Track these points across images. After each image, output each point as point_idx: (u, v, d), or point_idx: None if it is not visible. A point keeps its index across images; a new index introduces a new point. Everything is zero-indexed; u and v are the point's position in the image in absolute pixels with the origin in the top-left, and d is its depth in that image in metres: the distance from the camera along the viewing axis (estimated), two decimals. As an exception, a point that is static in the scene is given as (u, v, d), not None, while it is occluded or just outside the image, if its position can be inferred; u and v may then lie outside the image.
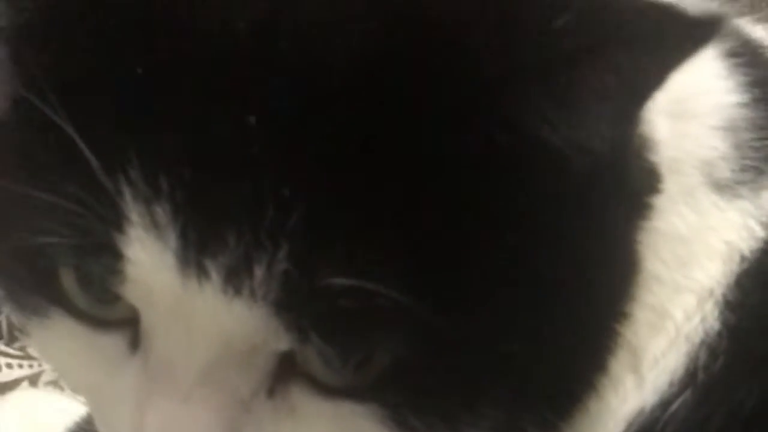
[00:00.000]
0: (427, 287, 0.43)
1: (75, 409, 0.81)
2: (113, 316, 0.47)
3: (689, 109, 0.52)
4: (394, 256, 0.43)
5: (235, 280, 0.42)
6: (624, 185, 0.48)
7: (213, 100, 0.42)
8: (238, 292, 0.43)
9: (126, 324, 0.47)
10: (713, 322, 0.50)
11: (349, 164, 0.42)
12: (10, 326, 0.98)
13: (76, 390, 0.55)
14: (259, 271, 0.42)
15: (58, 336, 0.49)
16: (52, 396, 0.89)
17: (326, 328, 0.44)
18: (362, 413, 0.46)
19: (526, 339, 0.46)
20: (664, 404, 0.50)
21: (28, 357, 0.94)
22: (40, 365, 0.94)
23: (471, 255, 0.44)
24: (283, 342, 0.44)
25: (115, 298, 0.46)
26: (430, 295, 0.43)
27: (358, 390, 0.46)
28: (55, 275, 0.47)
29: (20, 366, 0.93)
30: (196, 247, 0.42)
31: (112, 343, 0.48)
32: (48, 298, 0.48)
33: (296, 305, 0.43)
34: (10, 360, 0.94)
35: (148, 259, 0.43)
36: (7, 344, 0.97)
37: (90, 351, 0.49)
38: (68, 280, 0.47)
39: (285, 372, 0.46)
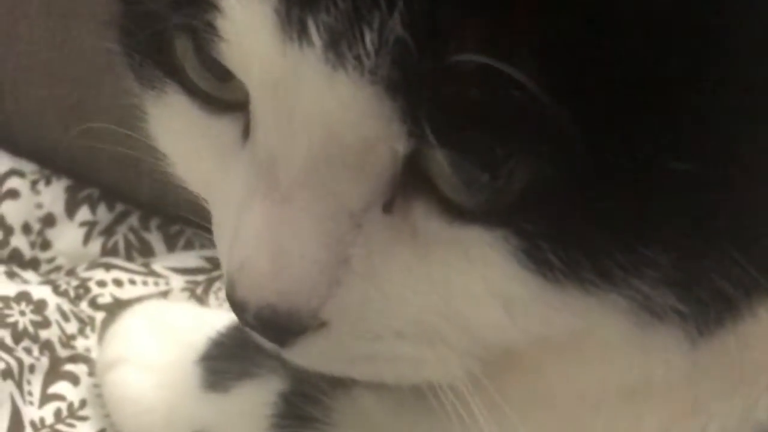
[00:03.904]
0: (575, 87, 0.37)
1: (215, 318, 0.68)
2: (227, 95, 0.44)
3: None
4: (540, 39, 0.36)
5: (339, 45, 0.37)
6: None
7: None
8: (341, 59, 0.37)
9: (240, 108, 0.44)
10: None
11: None
12: (128, 245, 0.86)
13: (190, 183, 0.49)
14: (368, 36, 0.37)
15: (173, 115, 0.47)
16: (185, 305, 0.76)
17: (448, 121, 0.37)
18: (491, 242, 0.40)
19: (708, 154, 0.38)
20: None
21: (153, 273, 0.82)
22: (167, 283, 0.81)
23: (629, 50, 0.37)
24: (399, 139, 0.39)
25: (229, 75, 0.42)
26: (579, 98, 0.36)
27: (491, 214, 0.40)
28: (170, 45, 0.45)
29: (144, 283, 0.80)
30: (298, 2, 0.38)
31: (226, 128, 0.45)
32: (165, 69, 0.46)
33: (412, 87, 0.37)
34: (133, 276, 0.81)
35: (243, 11, 0.39)
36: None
37: (203, 136, 0.46)
38: (182, 49, 0.44)
39: (410, 185, 0.41)
